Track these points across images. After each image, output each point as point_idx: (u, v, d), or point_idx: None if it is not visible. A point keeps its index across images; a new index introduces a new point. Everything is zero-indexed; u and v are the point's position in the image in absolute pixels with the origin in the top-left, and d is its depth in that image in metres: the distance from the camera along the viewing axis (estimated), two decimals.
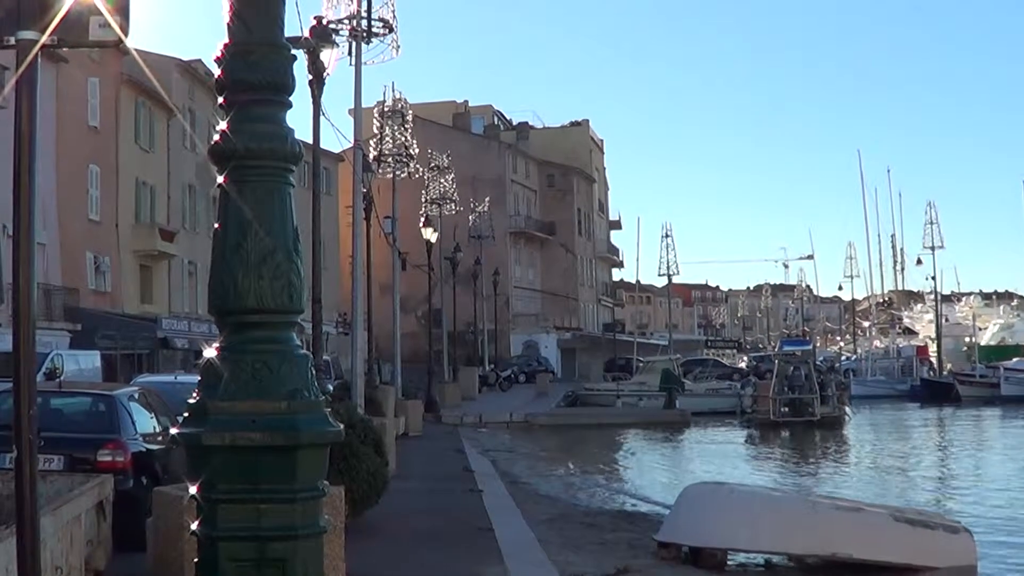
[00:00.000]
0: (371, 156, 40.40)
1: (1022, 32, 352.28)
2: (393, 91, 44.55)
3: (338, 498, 9.45)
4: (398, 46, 29.64)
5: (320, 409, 3.89)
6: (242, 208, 3.88)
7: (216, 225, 3.99)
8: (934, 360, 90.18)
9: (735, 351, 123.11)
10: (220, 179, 3.95)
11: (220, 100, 4.05)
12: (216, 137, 3.98)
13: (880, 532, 15.78)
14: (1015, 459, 38.06)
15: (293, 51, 4.11)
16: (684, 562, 15.38)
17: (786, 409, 51.23)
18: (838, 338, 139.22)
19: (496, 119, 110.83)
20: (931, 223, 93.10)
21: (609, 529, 18.92)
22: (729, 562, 15.68)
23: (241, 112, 3.94)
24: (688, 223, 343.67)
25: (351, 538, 10.05)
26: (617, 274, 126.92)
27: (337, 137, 77.47)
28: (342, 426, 4.07)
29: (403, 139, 43.11)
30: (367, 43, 28.19)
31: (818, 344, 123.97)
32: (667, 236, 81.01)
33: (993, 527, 21.59)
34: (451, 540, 15.01)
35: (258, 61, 3.92)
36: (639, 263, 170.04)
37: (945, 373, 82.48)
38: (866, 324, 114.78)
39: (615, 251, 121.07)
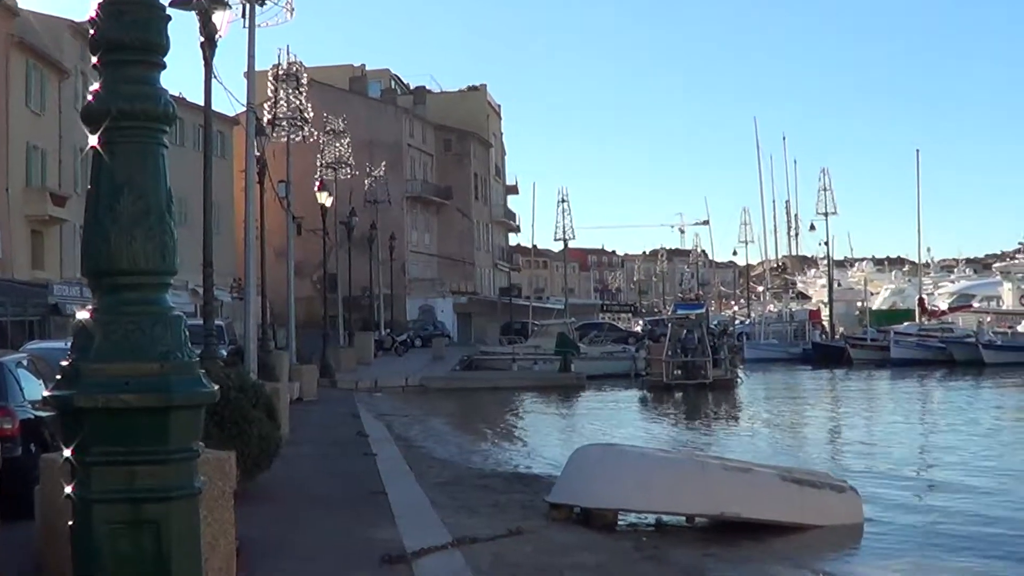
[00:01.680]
0: (265, 120, 40.05)
1: (913, 4, 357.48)
2: (288, 54, 44.14)
3: (228, 463, 9.35)
4: (292, 9, 29.39)
5: (194, 370, 3.87)
6: (114, 170, 3.84)
7: (89, 187, 3.96)
8: (826, 324, 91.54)
9: (631, 315, 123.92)
10: (93, 140, 3.91)
11: (94, 60, 4.00)
12: (89, 98, 3.94)
13: (768, 492, 16.05)
14: (903, 420, 38.90)
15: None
16: (576, 523, 15.50)
17: (679, 372, 51.81)
18: (732, 302, 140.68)
19: (393, 83, 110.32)
20: (824, 190, 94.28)
21: (502, 491, 19.00)
22: (620, 522, 15.85)
23: (114, 72, 3.89)
24: (585, 188, 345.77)
25: (242, 503, 10.00)
26: (514, 239, 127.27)
27: (230, 101, 76.32)
28: (216, 387, 4.05)
29: (298, 103, 42.77)
30: (261, 5, 27.92)
31: (713, 308, 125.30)
32: (563, 201, 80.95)
33: (880, 486, 21.98)
34: (344, 504, 15.02)
35: (131, 20, 3.87)
36: (534, 228, 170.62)
37: (837, 337, 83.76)
38: (760, 289, 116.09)
39: (512, 216, 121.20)
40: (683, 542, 15.34)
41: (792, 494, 16.16)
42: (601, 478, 15.64)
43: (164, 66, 4.02)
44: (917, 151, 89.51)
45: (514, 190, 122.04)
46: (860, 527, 16.73)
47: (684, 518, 16.07)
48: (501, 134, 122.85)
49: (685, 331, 52.95)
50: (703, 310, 56.99)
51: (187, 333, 3.94)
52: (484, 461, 25.46)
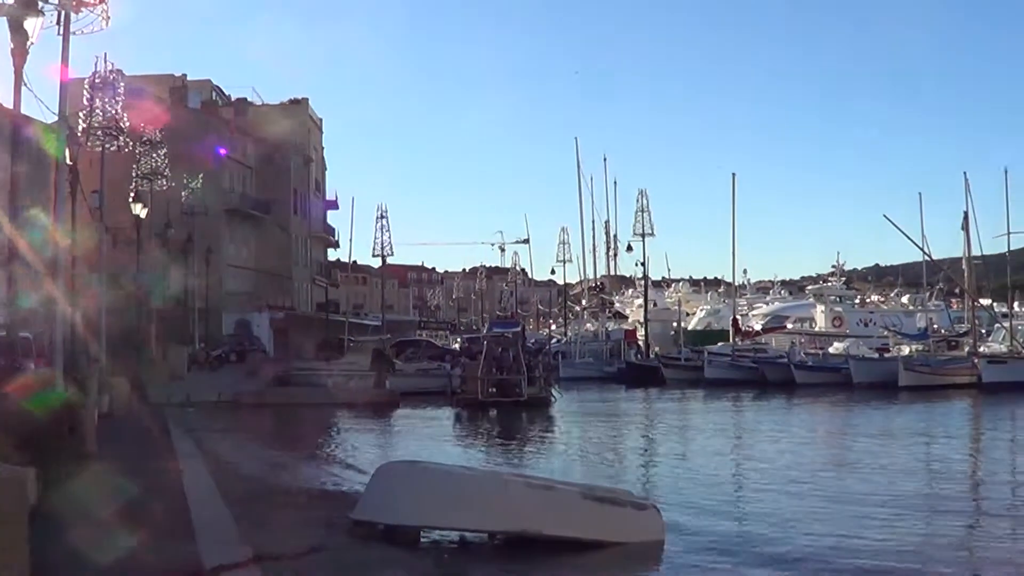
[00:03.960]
0: (79, 129, 39.44)
1: (730, 31, 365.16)
2: (105, 62, 43.56)
3: (26, 480, 9.32)
4: (108, 17, 28.99)
5: None
6: None
7: None
8: (642, 344, 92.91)
9: (448, 332, 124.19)
10: None
11: None
12: None
13: (569, 509, 16.27)
14: (712, 439, 39.69)
15: None
16: (379, 540, 15.56)
17: (494, 390, 52.08)
18: (551, 321, 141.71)
19: (214, 94, 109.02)
20: (642, 211, 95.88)
21: (308, 508, 18.95)
22: (423, 539, 15.94)
23: None
24: (406, 205, 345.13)
25: (41, 521, 9.95)
26: (333, 254, 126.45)
27: (40, 109, 74.80)
28: None
29: (114, 112, 42.22)
30: (76, 13, 27.52)
31: (531, 327, 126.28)
32: (383, 217, 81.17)
33: (686, 504, 22.48)
34: (146, 520, 14.90)
35: None
36: (352, 243, 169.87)
37: (652, 356, 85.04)
38: (578, 308, 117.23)
39: (331, 231, 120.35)
40: (484, 559, 15.53)
41: (593, 511, 16.41)
42: (404, 495, 15.71)
43: None
44: (733, 175, 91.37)
45: (334, 205, 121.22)
46: (661, 544, 17.01)
47: (486, 535, 16.31)
48: (322, 148, 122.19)
49: (501, 349, 53.31)
50: (519, 328, 57.47)
51: None
52: (292, 478, 25.31)
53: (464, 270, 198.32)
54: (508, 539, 15.99)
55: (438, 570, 14.47)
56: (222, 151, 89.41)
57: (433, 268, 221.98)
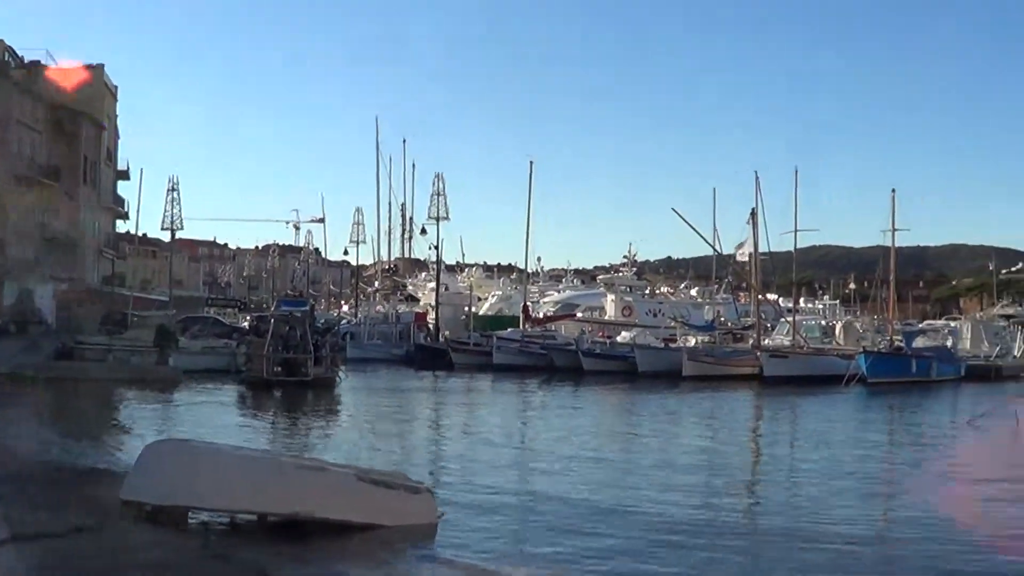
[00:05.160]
0: None
1: (537, 13, 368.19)
2: None
3: None
4: None
5: None
6: None
7: None
8: (432, 327, 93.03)
9: (238, 310, 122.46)
10: None
11: None
12: None
13: (343, 491, 16.23)
14: (495, 423, 39.95)
15: None
16: (147, 521, 15.26)
17: (279, 369, 51.74)
18: (343, 302, 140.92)
19: (7, 55, 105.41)
20: (438, 194, 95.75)
21: (77, 487, 18.57)
22: (192, 520, 15.69)
23: None
24: (200, 179, 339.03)
25: None
26: (123, 226, 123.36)
27: None
28: None
29: None
30: None
31: (323, 307, 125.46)
32: (173, 189, 79.81)
33: (463, 487, 22.68)
34: None
35: None
36: (139, 215, 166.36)
37: (441, 340, 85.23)
38: (370, 289, 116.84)
39: (121, 202, 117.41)
40: (253, 541, 15.32)
41: (367, 494, 16.40)
42: (172, 475, 15.42)
43: None
44: (531, 162, 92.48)
45: (125, 176, 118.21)
46: (434, 527, 17.13)
47: (257, 517, 16.14)
48: (116, 116, 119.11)
49: (288, 328, 52.84)
50: (307, 307, 57.00)
51: None
52: (64, 455, 24.65)
53: (257, 247, 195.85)
54: (280, 521, 15.88)
55: (203, 552, 14.24)
56: None
57: (225, 244, 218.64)
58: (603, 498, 20.93)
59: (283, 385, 49.94)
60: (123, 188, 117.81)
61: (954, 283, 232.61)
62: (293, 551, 14.96)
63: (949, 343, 76.65)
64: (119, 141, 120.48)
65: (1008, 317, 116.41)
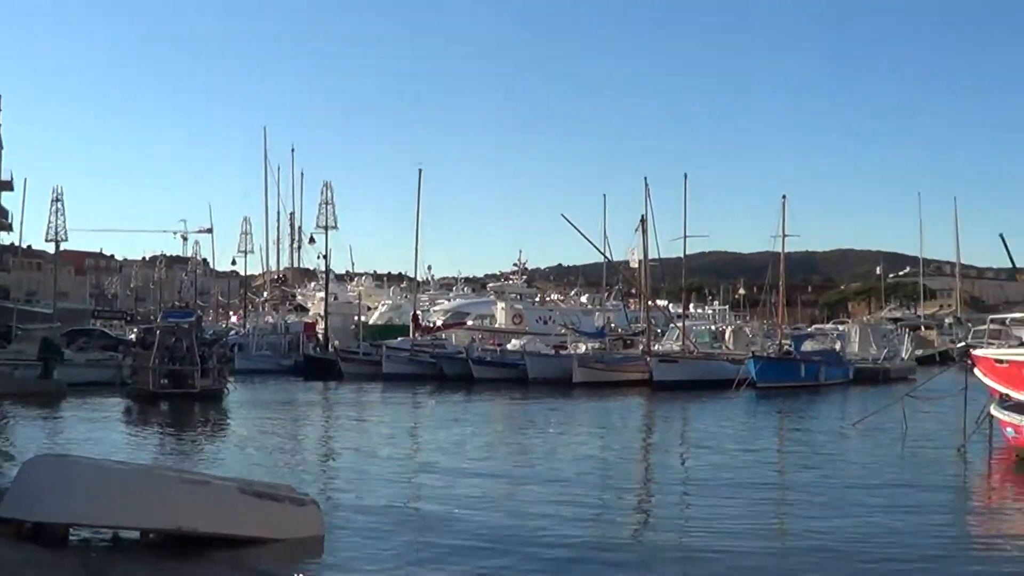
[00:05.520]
0: None
1: (425, 25, 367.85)
2: None
3: None
4: None
5: None
6: None
7: None
8: (322, 337, 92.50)
9: (125, 322, 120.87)
10: None
11: None
12: None
13: (226, 505, 16.01)
14: (384, 434, 39.56)
15: None
16: (26, 539, 14.91)
17: (166, 381, 51.06)
18: (231, 312, 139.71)
19: None
20: (326, 203, 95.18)
21: None
22: (72, 537, 15.39)
23: None
24: (86, 189, 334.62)
25: None
26: (6, 238, 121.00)
27: None
28: None
29: None
30: None
31: (211, 318, 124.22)
32: (58, 200, 78.28)
33: (351, 499, 22.46)
34: None
35: None
36: (23, 226, 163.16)
37: (331, 350, 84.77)
38: (259, 300, 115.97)
39: (4, 213, 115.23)
40: (136, 558, 15.04)
41: (252, 507, 16.20)
42: (52, 491, 15.07)
43: None
44: (420, 170, 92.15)
45: (8, 186, 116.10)
46: (321, 540, 17.00)
47: (142, 533, 15.82)
48: (0, 125, 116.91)
49: (174, 339, 52.18)
50: (194, 318, 56.28)
51: None
52: None
53: (144, 258, 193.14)
54: (164, 537, 15.59)
55: (84, 570, 13.93)
56: None
57: (112, 255, 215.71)
58: (492, 515, 20.62)
59: (169, 398, 49.33)
60: (6, 199, 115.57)
61: (842, 287, 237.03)
62: (176, 567, 14.74)
63: (838, 347, 77.56)
64: (2, 151, 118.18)
65: (895, 320, 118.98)
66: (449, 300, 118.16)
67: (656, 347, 75.77)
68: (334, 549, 16.94)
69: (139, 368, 52.69)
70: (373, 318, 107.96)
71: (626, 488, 25.48)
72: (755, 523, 20.15)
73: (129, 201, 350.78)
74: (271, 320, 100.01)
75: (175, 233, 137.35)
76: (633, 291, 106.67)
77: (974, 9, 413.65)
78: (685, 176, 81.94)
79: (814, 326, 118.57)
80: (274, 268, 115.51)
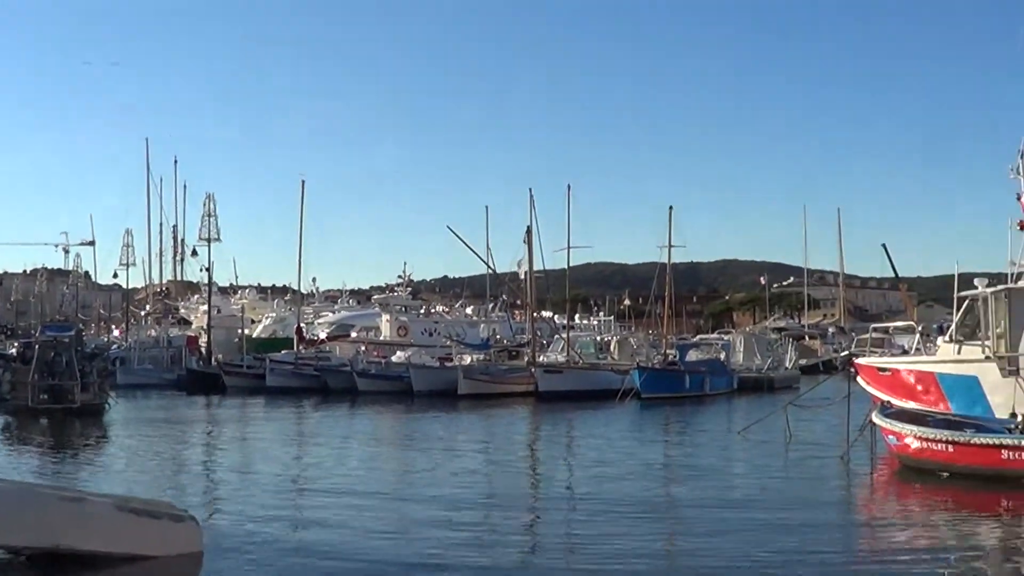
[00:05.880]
0: None
1: (310, 32, 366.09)
2: None
3: None
4: None
5: None
6: None
7: None
8: (204, 350, 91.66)
9: (4, 337, 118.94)
10: None
11: None
12: None
13: (103, 522, 15.78)
14: (264, 448, 39.26)
15: None
16: None
17: (45, 396, 50.29)
18: (113, 326, 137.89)
19: None
20: (209, 215, 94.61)
21: None
22: None
23: None
24: None
25: None
26: None
27: None
28: None
29: None
30: None
31: (93, 331, 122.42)
32: None
33: (231, 515, 22.27)
34: None
35: None
36: None
37: (214, 364, 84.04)
38: (142, 313, 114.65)
39: None
40: None
41: (129, 524, 16.00)
42: None
43: None
44: (303, 181, 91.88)
45: None
46: (199, 556, 16.81)
47: (14, 551, 15.55)
48: None
49: (54, 353, 51.41)
50: (73, 332, 55.40)
51: None
52: None
53: (25, 271, 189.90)
54: (39, 555, 15.34)
55: None
56: None
57: None
58: (373, 537, 20.36)
59: (49, 413, 48.54)
60: None
61: (727, 298, 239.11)
62: None
63: (722, 357, 78.29)
64: None
65: (780, 330, 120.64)
66: (334, 312, 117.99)
67: (541, 358, 75.99)
68: (213, 566, 16.74)
69: (18, 383, 51.95)
70: (257, 331, 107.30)
71: (512, 506, 25.20)
72: (642, 543, 20.00)
73: (9, 214, 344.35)
74: (154, 334, 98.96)
75: (56, 246, 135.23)
76: (518, 302, 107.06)
77: (865, 12, 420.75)
78: (568, 187, 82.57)
79: (699, 336, 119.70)
80: (157, 281, 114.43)
